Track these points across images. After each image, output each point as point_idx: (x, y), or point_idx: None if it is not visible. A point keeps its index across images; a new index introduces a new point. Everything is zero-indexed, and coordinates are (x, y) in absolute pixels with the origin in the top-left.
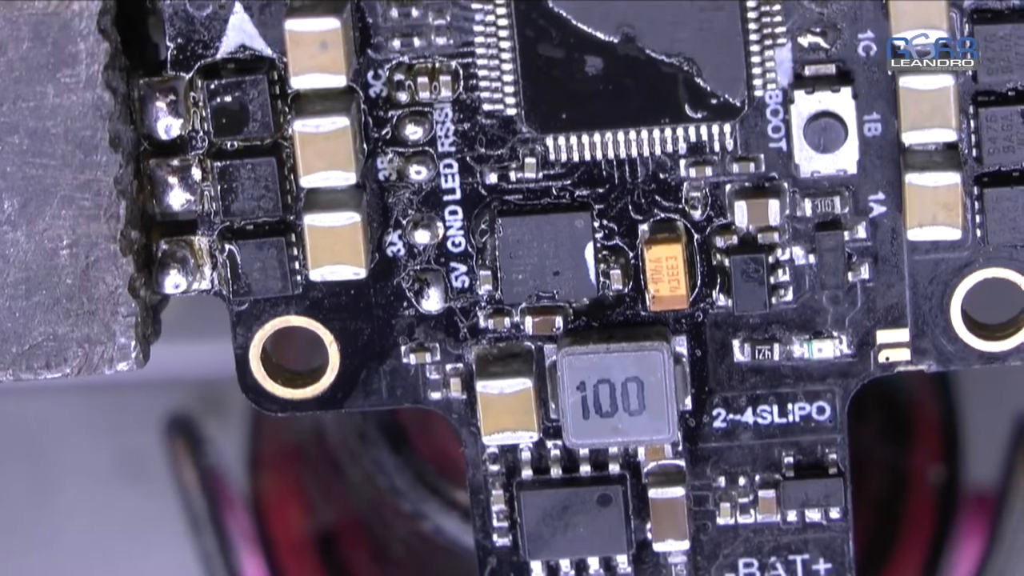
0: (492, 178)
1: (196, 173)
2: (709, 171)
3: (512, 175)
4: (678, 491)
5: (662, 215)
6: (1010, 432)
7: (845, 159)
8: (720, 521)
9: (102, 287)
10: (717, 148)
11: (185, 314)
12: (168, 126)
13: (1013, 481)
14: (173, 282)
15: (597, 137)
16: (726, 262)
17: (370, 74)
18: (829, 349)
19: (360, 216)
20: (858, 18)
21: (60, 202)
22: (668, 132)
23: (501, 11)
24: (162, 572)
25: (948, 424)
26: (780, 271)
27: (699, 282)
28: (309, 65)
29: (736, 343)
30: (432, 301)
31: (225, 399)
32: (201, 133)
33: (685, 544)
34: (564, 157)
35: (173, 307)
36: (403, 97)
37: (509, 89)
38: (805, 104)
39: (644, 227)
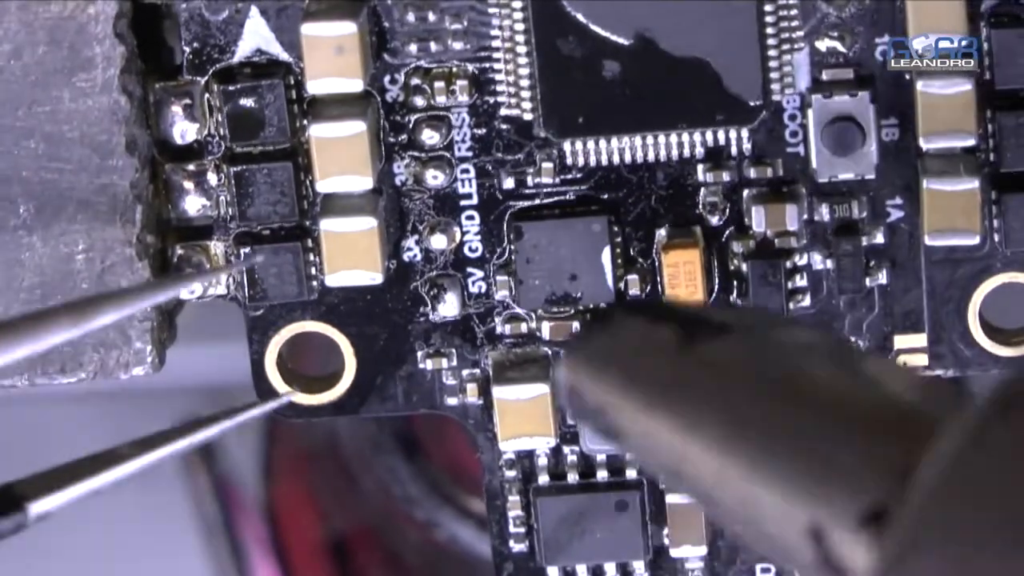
0: (509, 183)
1: (212, 178)
2: (726, 175)
3: (529, 180)
4: None
5: (680, 219)
6: None
7: (863, 164)
8: None
9: None
10: (734, 152)
11: (200, 319)
12: (184, 131)
13: None
14: (189, 287)
15: (614, 142)
16: (744, 267)
17: (387, 78)
18: None
19: (376, 221)
20: (876, 22)
21: (76, 207)
22: (685, 136)
23: (518, 15)
24: None
25: None
26: (798, 276)
27: (716, 287)
28: (325, 69)
29: None
30: (449, 306)
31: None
32: (217, 138)
33: (703, 549)
34: (581, 161)
35: (188, 312)
36: (420, 102)
37: (526, 94)
38: (823, 108)
39: (661, 231)
